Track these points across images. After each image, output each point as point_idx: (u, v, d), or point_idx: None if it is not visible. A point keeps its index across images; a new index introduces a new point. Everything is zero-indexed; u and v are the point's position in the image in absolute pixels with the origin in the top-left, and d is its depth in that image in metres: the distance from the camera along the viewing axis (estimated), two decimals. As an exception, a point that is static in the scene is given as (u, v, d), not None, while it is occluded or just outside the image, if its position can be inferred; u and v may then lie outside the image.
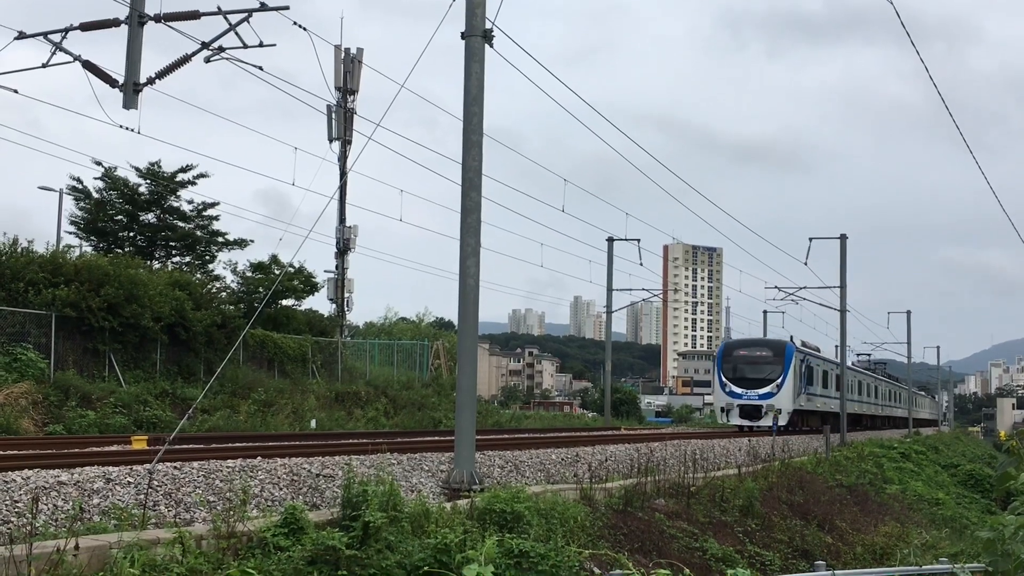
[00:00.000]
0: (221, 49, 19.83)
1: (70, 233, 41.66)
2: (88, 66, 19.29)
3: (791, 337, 46.34)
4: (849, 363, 59.43)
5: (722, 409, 43.43)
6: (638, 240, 50.55)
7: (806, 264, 47.35)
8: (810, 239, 47.85)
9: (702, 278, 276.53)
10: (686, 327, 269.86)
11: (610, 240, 51.04)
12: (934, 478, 43.73)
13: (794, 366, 42.94)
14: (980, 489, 44.73)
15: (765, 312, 68.04)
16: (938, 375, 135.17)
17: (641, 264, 50.92)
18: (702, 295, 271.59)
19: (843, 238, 48.35)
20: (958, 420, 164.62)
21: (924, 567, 15.11)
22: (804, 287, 52.62)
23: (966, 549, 23.19)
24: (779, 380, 42.44)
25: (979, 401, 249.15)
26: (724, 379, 43.32)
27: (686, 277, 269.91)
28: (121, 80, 18.79)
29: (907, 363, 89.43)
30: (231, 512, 9.89)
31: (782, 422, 41.76)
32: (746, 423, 42.54)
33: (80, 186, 41.18)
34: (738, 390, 42.74)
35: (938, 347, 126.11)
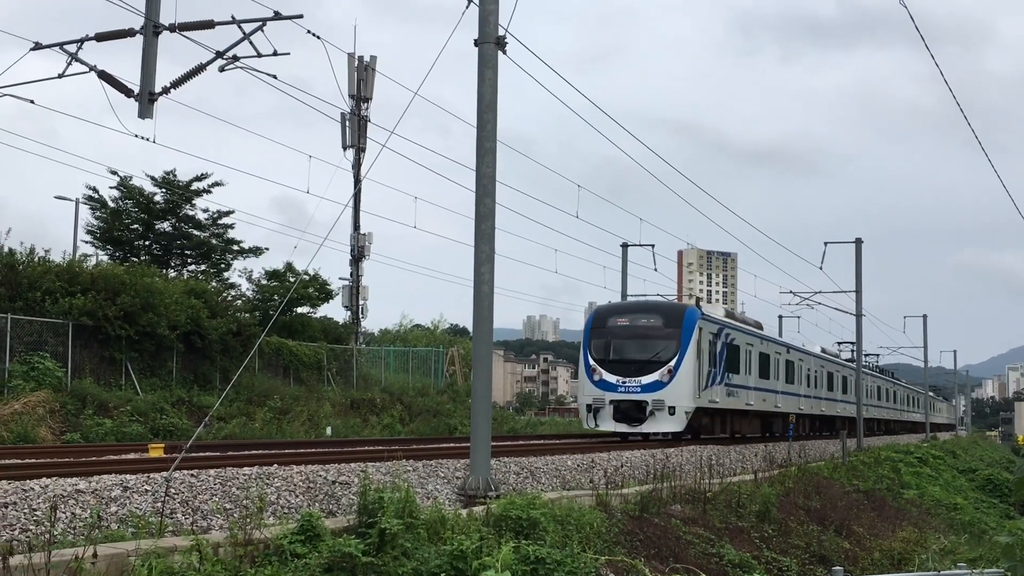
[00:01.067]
0: (235, 58, 19.93)
1: (86, 242, 41.93)
2: (104, 76, 19.40)
3: (697, 301, 33.55)
4: (818, 350, 51.33)
5: (588, 407, 29.46)
6: (652, 245, 50.18)
7: (821, 268, 47.21)
8: (825, 243, 47.67)
9: (717, 283, 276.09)
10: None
11: (624, 245, 51.02)
12: (952, 483, 43.50)
13: (697, 342, 29.69)
14: (998, 494, 44.47)
15: (780, 317, 67.85)
16: (955, 379, 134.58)
17: (655, 269, 50.37)
18: (717, 300, 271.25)
19: (858, 242, 48.17)
20: (976, 424, 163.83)
21: (942, 572, 15.03)
22: (819, 291, 52.50)
23: (984, 554, 23.06)
24: (672, 363, 28.84)
25: (996, 405, 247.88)
26: (592, 362, 29.78)
27: (701, 282, 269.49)
28: (136, 90, 18.90)
29: (924, 367, 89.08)
30: (248, 519, 9.92)
31: (674, 428, 28.91)
32: (624, 428, 29.18)
33: (96, 195, 41.45)
34: (611, 378, 29.12)
35: (955, 351, 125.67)
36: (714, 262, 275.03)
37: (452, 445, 23.22)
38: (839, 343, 67.86)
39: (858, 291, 48.65)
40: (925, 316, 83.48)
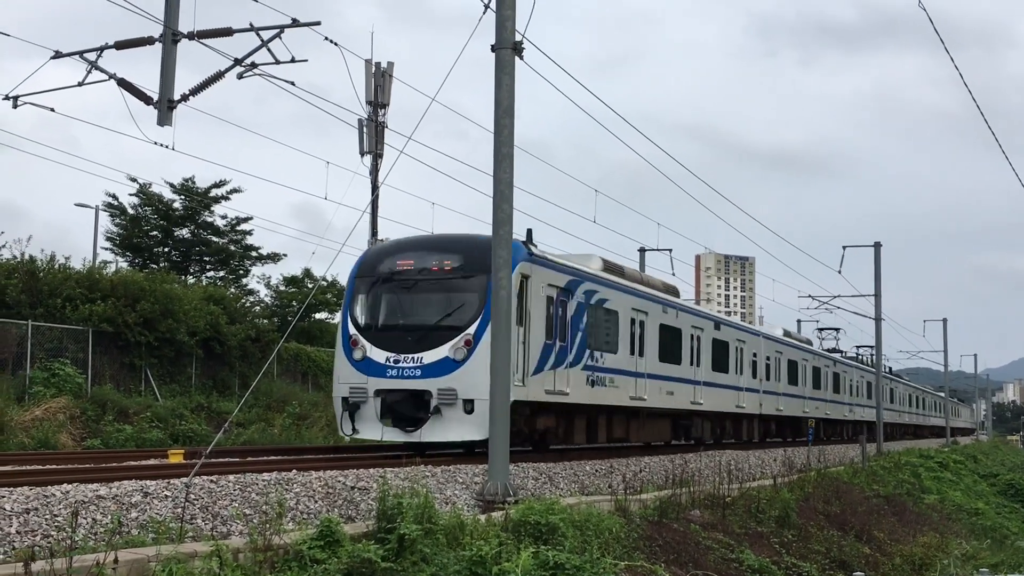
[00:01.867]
0: (254, 65, 19.98)
1: (106, 249, 42.16)
2: (123, 84, 19.50)
3: (528, 234, 20.81)
4: (779, 332, 42.07)
5: (344, 402, 19.15)
6: (670, 250, 49.76)
7: (840, 272, 47.03)
8: (843, 247, 47.47)
9: (735, 287, 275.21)
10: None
11: (642, 250, 50.90)
12: (973, 488, 43.29)
13: (513, 291, 17.89)
14: (1020, 499, 44.27)
15: (799, 321, 67.53)
16: (975, 383, 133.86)
17: (673, 274, 50.20)
18: (735, 304, 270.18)
19: (877, 246, 48.03)
20: (997, 429, 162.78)
21: (964, 578, 14.95)
22: (838, 295, 52.25)
23: (1007, 559, 22.92)
24: (473, 329, 18.68)
25: (1018, 409, 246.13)
26: (351, 330, 19.70)
27: (719, 286, 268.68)
28: (155, 97, 18.97)
29: (944, 371, 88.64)
30: (267, 525, 9.94)
31: (473, 434, 18.43)
32: (395, 436, 18.76)
33: (116, 202, 41.70)
34: (379, 355, 19.01)
35: (975, 355, 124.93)
36: (732, 266, 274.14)
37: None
38: (821, 329, 60.18)
39: (877, 295, 48.47)
40: (945, 320, 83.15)
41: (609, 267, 24.78)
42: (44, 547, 9.26)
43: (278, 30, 19.77)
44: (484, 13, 16.18)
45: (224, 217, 42.96)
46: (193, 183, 41.98)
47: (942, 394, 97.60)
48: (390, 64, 44.72)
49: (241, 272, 44.38)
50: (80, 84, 20.09)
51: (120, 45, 19.88)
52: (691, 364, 28.66)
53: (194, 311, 30.91)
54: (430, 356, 18.66)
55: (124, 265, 39.20)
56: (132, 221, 41.66)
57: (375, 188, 41.96)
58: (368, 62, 44.45)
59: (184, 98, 19.21)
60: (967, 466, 49.65)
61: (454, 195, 34.54)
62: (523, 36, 16.10)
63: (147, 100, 19.21)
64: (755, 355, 35.35)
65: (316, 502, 13.08)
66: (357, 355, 19.28)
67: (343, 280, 45.84)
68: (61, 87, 20.36)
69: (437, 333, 18.84)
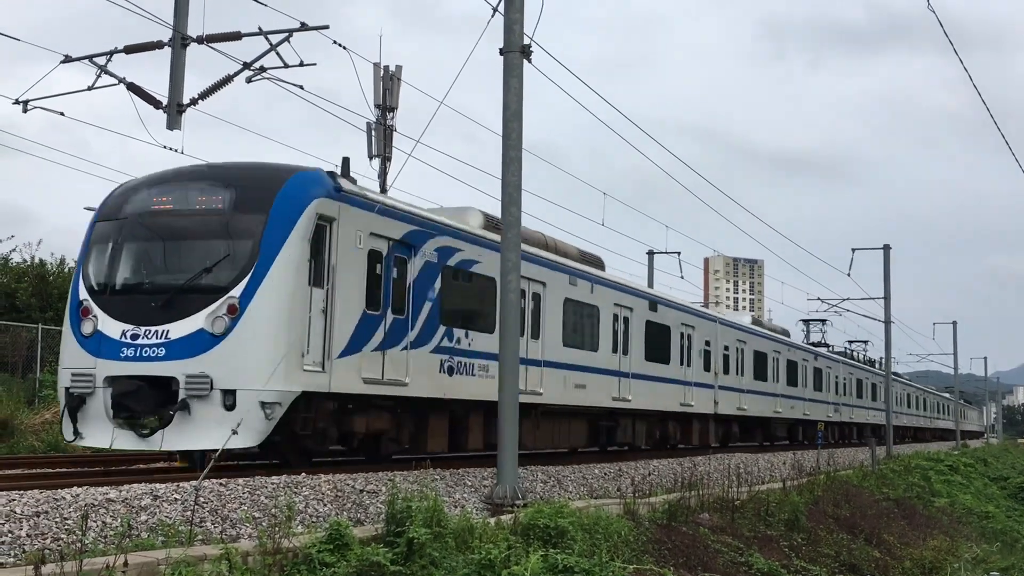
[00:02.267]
0: (262, 69, 20.04)
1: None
2: (133, 88, 19.57)
3: (344, 164, 16.07)
4: (747, 321, 36.95)
5: (67, 394, 14.04)
6: (678, 253, 49.67)
7: (849, 275, 46.95)
8: (853, 250, 47.42)
9: (743, 290, 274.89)
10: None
11: (650, 253, 50.92)
12: (983, 491, 43.14)
13: (308, 244, 14.19)
14: (1031, 502, 44.08)
15: (808, 323, 67.36)
16: (985, 386, 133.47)
17: (682, 277, 49.93)
18: (744, 307, 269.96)
19: (886, 249, 47.95)
20: (1007, 432, 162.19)
21: (975, 581, 14.91)
22: (847, 298, 52.15)
23: (1017, 563, 22.86)
24: (240, 288, 13.60)
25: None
26: (82, 294, 14.48)
27: (727, 289, 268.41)
28: (165, 101, 19.06)
29: (954, 374, 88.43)
30: (276, 528, 9.95)
31: (239, 440, 12.80)
32: (130, 442, 13.77)
33: (125, 206, 41.82)
34: (113, 329, 13.85)
35: (985, 358, 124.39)
36: (740, 269, 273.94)
37: (479, 454, 23.19)
38: (806, 321, 57.46)
39: (886, 297, 48.40)
40: (955, 323, 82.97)
41: (493, 224, 19.29)
42: (54, 550, 9.28)
43: (287, 34, 19.83)
44: (492, 16, 16.21)
45: (233, 220, 43.07)
46: (202, 187, 42.11)
47: (947, 395, 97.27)
48: (398, 67, 44.82)
49: (250, 275, 44.47)
50: (90, 88, 20.19)
51: (130, 49, 19.97)
52: (613, 351, 23.51)
53: (203, 314, 30.97)
54: (178, 329, 13.70)
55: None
56: (141, 225, 41.82)
57: (383, 191, 42.09)
58: (376, 65, 44.54)
59: (193, 102, 19.29)
60: (977, 469, 49.48)
61: (462, 198, 34.63)
62: (531, 39, 16.11)
63: (156, 104, 19.30)
64: (708, 343, 30.12)
65: (325, 505, 13.09)
66: (86, 329, 14.31)
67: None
68: (71, 91, 20.45)
69: (189, 297, 13.89)
